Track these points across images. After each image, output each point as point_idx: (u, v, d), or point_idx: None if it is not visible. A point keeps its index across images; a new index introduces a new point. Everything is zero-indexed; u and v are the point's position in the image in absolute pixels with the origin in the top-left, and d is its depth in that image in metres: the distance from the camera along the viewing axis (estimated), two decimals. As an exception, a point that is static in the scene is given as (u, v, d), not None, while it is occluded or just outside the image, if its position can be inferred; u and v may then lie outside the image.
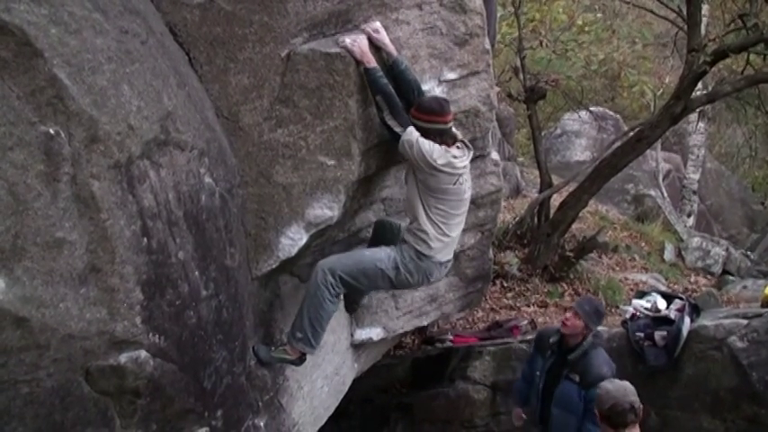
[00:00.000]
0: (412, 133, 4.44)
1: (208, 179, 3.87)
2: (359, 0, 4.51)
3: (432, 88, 4.96)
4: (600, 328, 5.57)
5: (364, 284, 4.79)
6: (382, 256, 4.69)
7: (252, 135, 4.39)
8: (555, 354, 5.48)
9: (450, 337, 8.40)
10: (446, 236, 4.71)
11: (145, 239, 3.37)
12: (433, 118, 4.48)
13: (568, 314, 5.44)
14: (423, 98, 4.60)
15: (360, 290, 5.09)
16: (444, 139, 4.52)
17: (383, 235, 5.03)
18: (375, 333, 6.10)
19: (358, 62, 4.36)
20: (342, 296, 4.85)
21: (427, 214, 4.62)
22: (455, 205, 4.68)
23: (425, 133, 4.46)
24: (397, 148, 4.60)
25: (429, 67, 4.94)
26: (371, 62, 4.37)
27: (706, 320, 7.18)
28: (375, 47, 4.50)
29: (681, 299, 7.54)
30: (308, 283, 4.65)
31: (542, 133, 13.06)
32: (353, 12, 4.53)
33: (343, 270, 4.59)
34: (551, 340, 5.53)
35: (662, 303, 7.40)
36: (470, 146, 4.76)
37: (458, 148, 4.62)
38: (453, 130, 4.66)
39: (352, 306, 5.44)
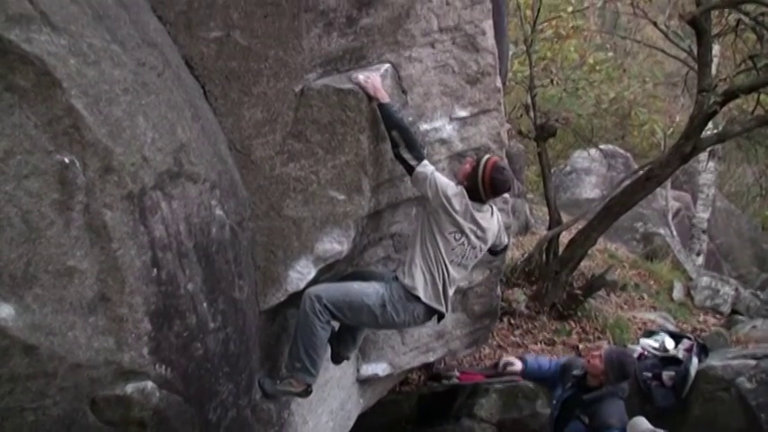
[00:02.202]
0: (427, 166, 4.48)
1: (219, 211, 3.89)
2: (372, 38, 4.56)
3: (443, 125, 4.99)
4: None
5: (348, 317, 4.67)
6: (370, 291, 4.64)
7: (263, 168, 4.42)
8: (574, 387, 5.47)
9: (457, 374, 8.34)
10: (431, 276, 4.65)
11: (155, 270, 3.38)
12: (489, 184, 4.59)
13: (596, 353, 5.46)
14: (501, 162, 4.70)
15: (346, 324, 5.00)
16: (476, 193, 4.60)
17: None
18: (381, 368, 6.07)
19: (371, 98, 4.40)
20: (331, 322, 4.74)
21: (423, 253, 4.62)
22: (444, 256, 4.63)
23: (470, 185, 4.59)
24: (407, 184, 4.61)
25: (440, 104, 4.98)
26: (385, 98, 4.40)
27: (714, 361, 7.15)
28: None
29: (689, 339, 7.52)
30: (298, 312, 4.61)
31: (552, 170, 13.07)
32: (367, 49, 4.58)
33: (329, 299, 4.53)
34: (574, 372, 5.53)
35: (670, 343, 7.38)
36: (494, 210, 4.87)
37: (482, 204, 4.69)
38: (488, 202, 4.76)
39: (338, 358, 5.15)
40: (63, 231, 3.04)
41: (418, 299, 4.64)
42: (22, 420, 3.09)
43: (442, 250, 4.61)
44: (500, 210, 5.81)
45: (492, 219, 4.80)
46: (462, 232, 4.59)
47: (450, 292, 4.80)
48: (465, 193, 4.55)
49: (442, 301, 4.74)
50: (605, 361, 5.28)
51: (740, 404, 6.68)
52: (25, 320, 2.97)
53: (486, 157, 4.69)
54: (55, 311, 3.05)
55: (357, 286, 4.69)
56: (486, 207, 4.73)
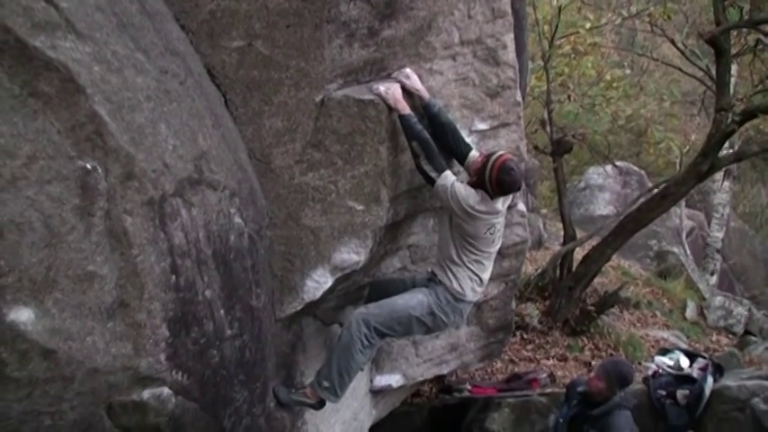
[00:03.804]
0: (447, 178, 4.48)
1: (237, 219, 3.89)
2: (394, 49, 4.57)
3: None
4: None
5: (399, 332, 4.78)
6: (414, 303, 4.68)
7: (283, 177, 4.43)
8: (580, 404, 5.43)
9: (469, 387, 8.33)
10: (477, 276, 4.74)
11: (173, 277, 3.38)
12: (496, 185, 4.49)
13: (592, 374, 5.42)
14: (510, 162, 4.52)
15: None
16: (486, 191, 4.55)
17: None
18: (394, 380, 6.07)
19: (391, 109, 4.41)
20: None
21: (460, 257, 4.66)
22: (485, 252, 4.72)
23: (478, 182, 4.53)
24: (425, 195, 4.60)
25: (460, 116, 4.98)
26: (405, 109, 4.41)
27: (729, 381, 7.10)
28: (408, 92, 4.55)
29: (704, 358, 7.48)
30: (341, 334, 4.64)
31: (567, 186, 13.05)
32: (388, 60, 4.58)
33: (378, 321, 4.59)
34: (579, 389, 5.49)
35: (685, 362, 7.34)
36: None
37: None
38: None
39: None
40: (84, 237, 3.04)
41: (464, 295, 4.74)
42: (38, 424, 3.09)
43: (483, 248, 4.69)
44: (517, 223, 5.83)
45: (508, 195, 4.77)
46: (493, 225, 4.65)
47: (484, 278, 4.88)
48: (486, 195, 4.53)
49: (478, 292, 4.88)
50: (602, 375, 5.23)
51: (754, 425, 6.61)
52: (44, 325, 2.96)
53: (498, 154, 4.55)
54: (74, 316, 3.05)
55: (401, 301, 4.72)
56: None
